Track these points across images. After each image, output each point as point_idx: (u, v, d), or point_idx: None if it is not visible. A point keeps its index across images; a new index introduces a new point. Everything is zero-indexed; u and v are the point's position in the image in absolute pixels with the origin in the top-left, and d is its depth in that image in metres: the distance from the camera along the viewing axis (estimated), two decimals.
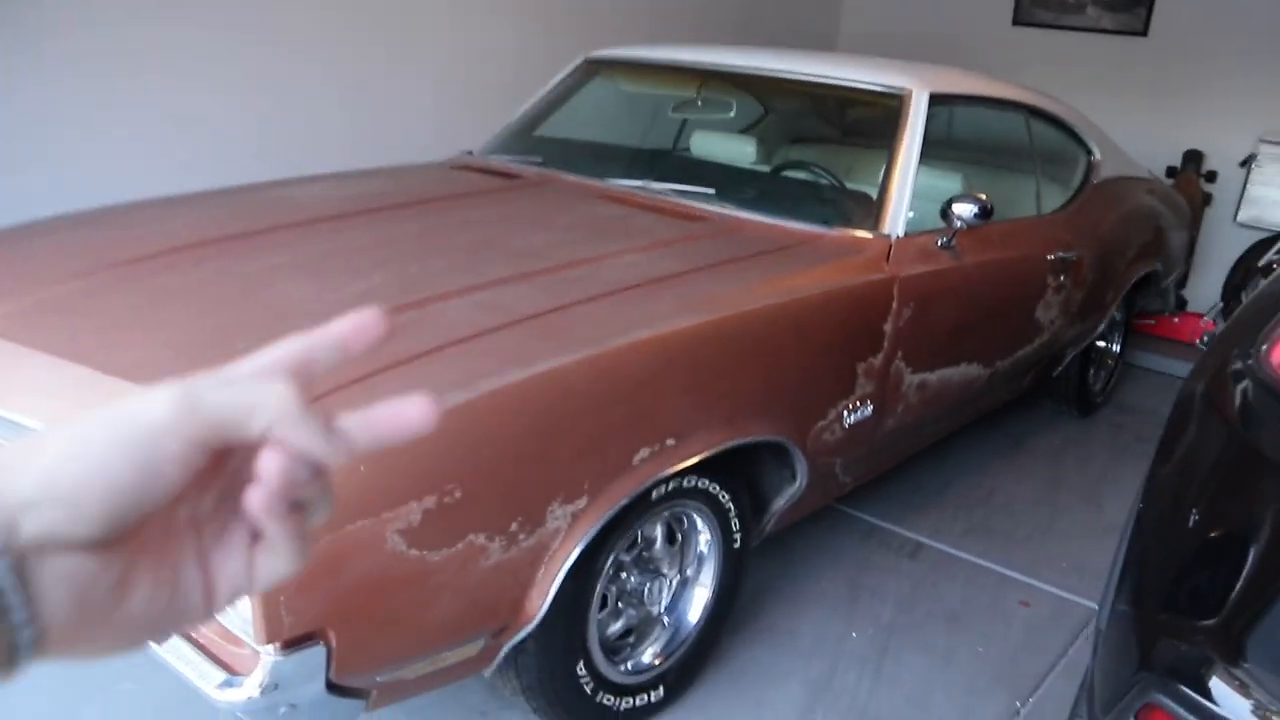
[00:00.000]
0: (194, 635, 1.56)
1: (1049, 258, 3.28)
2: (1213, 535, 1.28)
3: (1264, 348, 1.36)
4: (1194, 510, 1.29)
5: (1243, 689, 1.12)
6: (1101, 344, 4.27)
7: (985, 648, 2.63)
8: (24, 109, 3.13)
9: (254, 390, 0.43)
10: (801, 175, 3.29)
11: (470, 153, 3.37)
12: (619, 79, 3.57)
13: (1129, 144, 4.57)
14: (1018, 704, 2.42)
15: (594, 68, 3.53)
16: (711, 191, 2.80)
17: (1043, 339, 3.41)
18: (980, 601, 2.85)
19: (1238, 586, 1.18)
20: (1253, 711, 1.11)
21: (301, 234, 2.32)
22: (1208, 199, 5.62)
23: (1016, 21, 6.11)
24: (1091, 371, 4.25)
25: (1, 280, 2.05)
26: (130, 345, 1.74)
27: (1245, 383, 1.38)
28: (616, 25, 5.06)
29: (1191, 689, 1.15)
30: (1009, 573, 3.02)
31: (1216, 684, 1.14)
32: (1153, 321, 5.30)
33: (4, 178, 3.08)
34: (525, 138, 3.39)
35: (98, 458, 0.40)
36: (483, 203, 2.69)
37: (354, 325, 0.47)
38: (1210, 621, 1.19)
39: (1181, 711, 1.14)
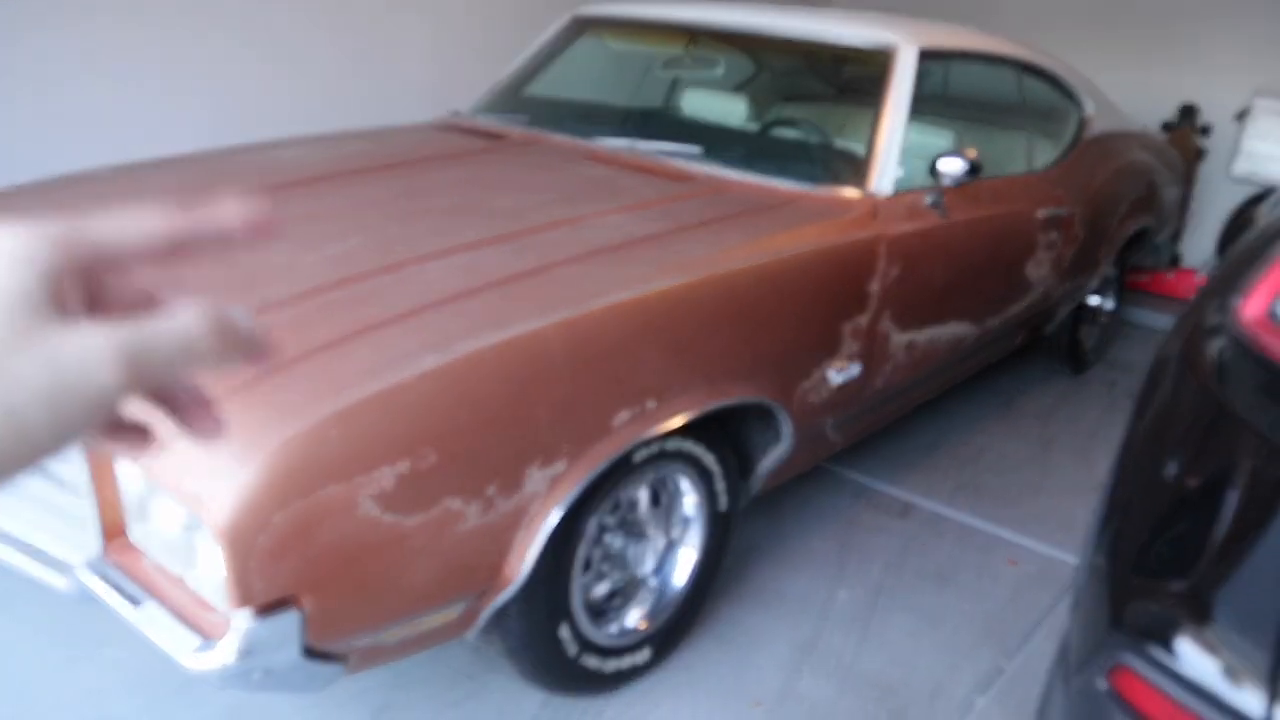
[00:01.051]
0: (167, 600, 1.56)
1: (1039, 215, 3.25)
2: (1184, 496, 1.27)
3: (1236, 303, 1.34)
4: (1166, 470, 1.28)
5: (1212, 650, 1.12)
6: (1095, 301, 4.25)
7: (972, 606, 2.64)
8: (21, 58, 3.09)
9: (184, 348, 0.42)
10: (790, 133, 3.25)
11: (457, 113, 3.33)
12: (607, 37, 3.52)
13: (1123, 98, 4.53)
14: (1003, 663, 2.42)
15: (582, 25, 3.47)
16: (698, 151, 2.76)
17: (1034, 297, 3.39)
18: (969, 561, 2.85)
19: (1207, 548, 1.17)
20: (1221, 673, 1.11)
21: (277, 197, 2.29)
22: (1202, 153, 5.57)
23: None
24: (1084, 329, 4.24)
25: None
26: None
27: (1220, 340, 1.36)
28: None
29: (1162, 650, 1.14)
30: (998, 531, 3.02)
31: (1186, 645, 1.13)
32: (1147, 278, 5.27)
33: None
34: (513, 97, 3.35)
35: None
36: (466, 164, 2.66)
37: (239, 212, 0.46)
38: (1180, 583, 1.18)
39: (1150, 673, 1.13)
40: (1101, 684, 1.20)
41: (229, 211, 0.45)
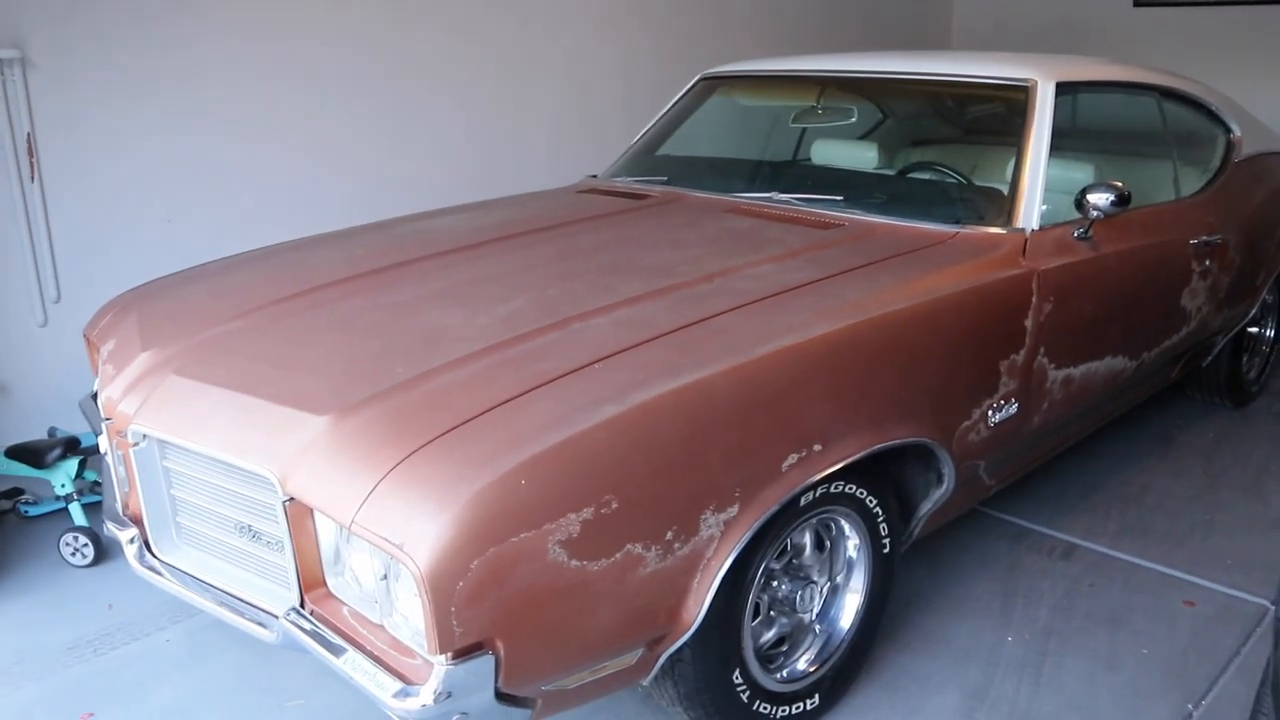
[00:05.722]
0: (367, 647, 1.64)
1: (1191, 242, 3.16)
2: None
3: None
4: None
5: None
6: (1254, 330, 4.08)
7: (1150, 649, 2.54)
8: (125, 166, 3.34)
9: None
10: (927, 176, 3.25)
11: (595, 176, 3.43)
12: (735, 94, 3.60)
13: (1275, 119, 4.37)
14: (1190, 706, 2.32)
15: (710, 85, 3.56)
16: (839, 198, 2.79)
17: (1190, 327, 3.28)
18: (1141, 602, 2.75)
19: None
20: None
21: (443, 263, 2.41)
22: None
23: (1138, 3, 5.91)
24: (1245, 359, 4.06)
25: (168, 323, 2.19)
26: (293, 376, 1.84)
27: None
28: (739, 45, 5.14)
29: None
30: (1170, 571, 2.91)
31: None
32: None
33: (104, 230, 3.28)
34: (648, 158, 3.44)
35: None
36: (614, 223, 2.74)
37: None
38: None
39: None
40: None
41: None
